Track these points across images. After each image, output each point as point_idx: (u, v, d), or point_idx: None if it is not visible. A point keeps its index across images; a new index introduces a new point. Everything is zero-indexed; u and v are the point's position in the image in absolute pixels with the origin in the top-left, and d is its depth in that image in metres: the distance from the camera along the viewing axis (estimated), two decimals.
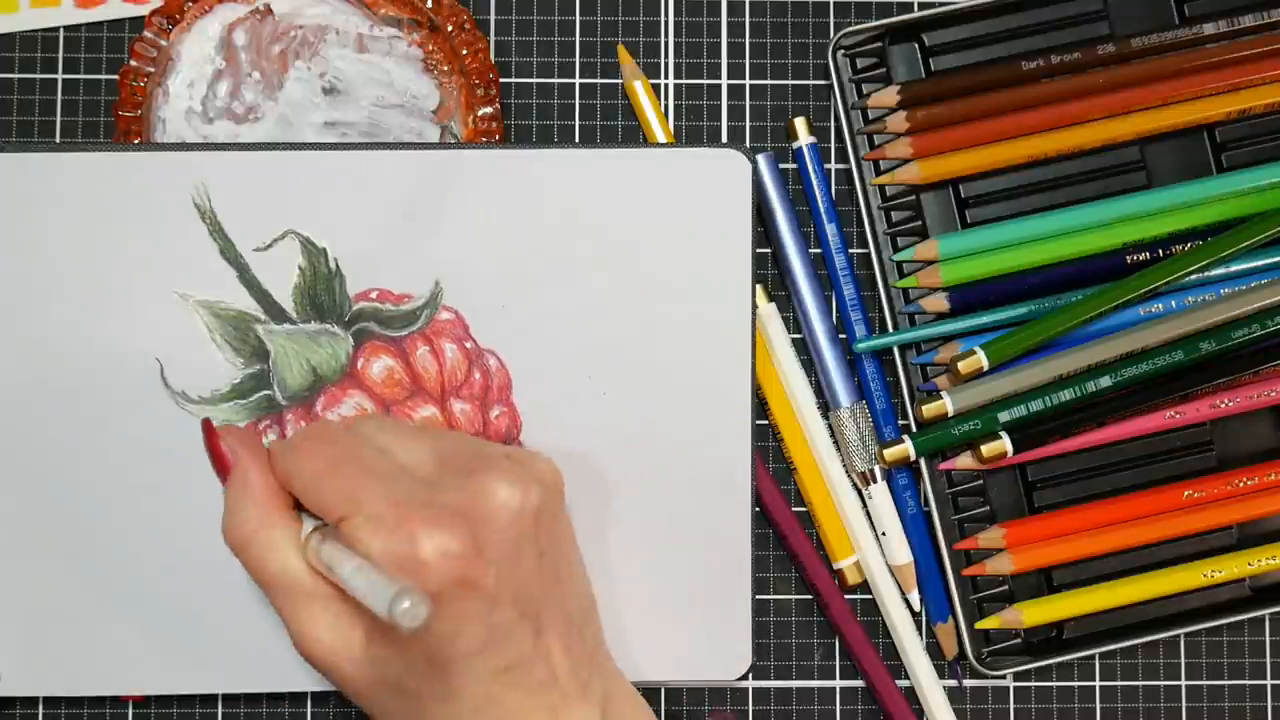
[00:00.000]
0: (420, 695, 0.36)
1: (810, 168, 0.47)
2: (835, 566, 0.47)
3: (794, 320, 0.47)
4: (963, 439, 0.45)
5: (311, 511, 0.37)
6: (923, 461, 0.45)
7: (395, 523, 0.34)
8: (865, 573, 0.46)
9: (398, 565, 0.34)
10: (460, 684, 0.35)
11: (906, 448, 0.45)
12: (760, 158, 0.46)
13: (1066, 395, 0.45)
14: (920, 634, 0.46)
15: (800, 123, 0.47)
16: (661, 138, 0.47)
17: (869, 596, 0.47)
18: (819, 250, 0.47)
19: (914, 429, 0.46)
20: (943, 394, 0.45)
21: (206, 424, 0.39)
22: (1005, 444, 0.44)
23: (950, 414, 0.45)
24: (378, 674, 0.36)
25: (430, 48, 0.46)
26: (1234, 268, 0.46)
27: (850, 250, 0.47)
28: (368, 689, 0.37)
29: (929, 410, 0.45)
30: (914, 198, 0.47)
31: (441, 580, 0.34)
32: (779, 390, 0.46)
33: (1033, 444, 0.45)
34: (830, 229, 0.46)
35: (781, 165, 0.47)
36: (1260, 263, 0.46)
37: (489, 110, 0.46)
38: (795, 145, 0.47)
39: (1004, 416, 0.45)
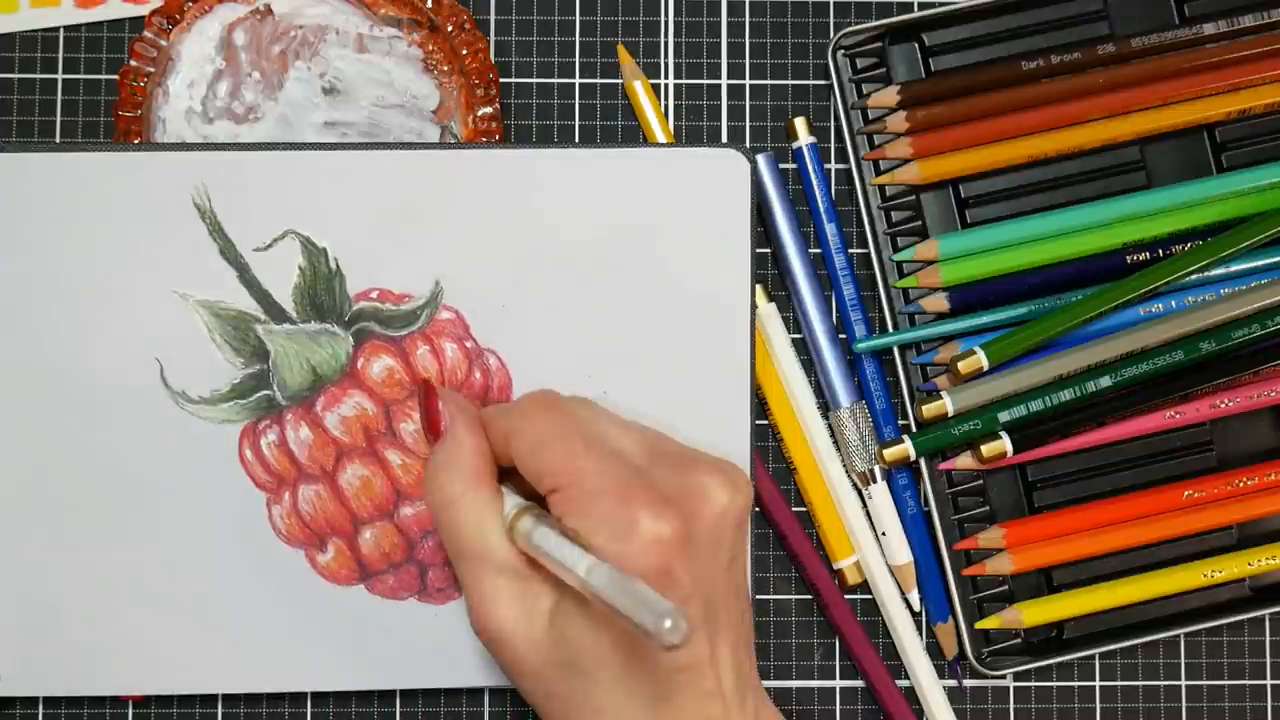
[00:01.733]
0: (595, 679, 0.35)
1: (810, 168, 0.47)
2: (835, 566, 0.47)
3: (794, 320, 0.47)
4: (963, 439, 0.45)
5: (526, 477, 0.37)
6: (923, 461, 0.45)
7: (616, 499, 0.34)
8: (865, 573, 0.46)
9: (610, 540, 0.34)
10: (638, 672, 0.35)
11: (906, 448, 0.45)
12: (760, 158, 0.46)
13: (1066, 395, 0.45)
14: (920, 634, 0.46)
15: (800, 123, 0.47)
16: (661, 138, 0.47)
17: (869, 596, 0.47)
18: (819, 250, 0.47)
19: (914, 429, 0.46)
20: (943, 394, 0.45)
21: (427, 384, 0.40)
22: (1005, 444, 0.44)
23: (950, 414, 0.45)
24: (556, 654, 0.36)
25: (430, 48, 0.46)
26: (1234, 268, 0.46)
27: (850, 250, 0.47)
28: (541, 668, 0.36)
29: (929, 410, 0.45)
30: (914, 198, 0.47)
31: (647, 564, 0.34)
32: (779, 390, 0.46)
33: (1033, 444, 0.45)
34: (830, 229, 0.46)
35: (781, 165, 0.47)
36: (1260, 263, 0.46)
37: (489, 110, 0.46)
38: (795, 145, 0.47)
39: (1004, 416, 0.45)
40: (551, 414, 0.38)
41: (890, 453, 0.45)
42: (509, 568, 0.37)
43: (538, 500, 0.38)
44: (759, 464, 0.46)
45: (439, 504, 0.38)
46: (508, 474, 0.39)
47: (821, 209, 0.46)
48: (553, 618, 0.36)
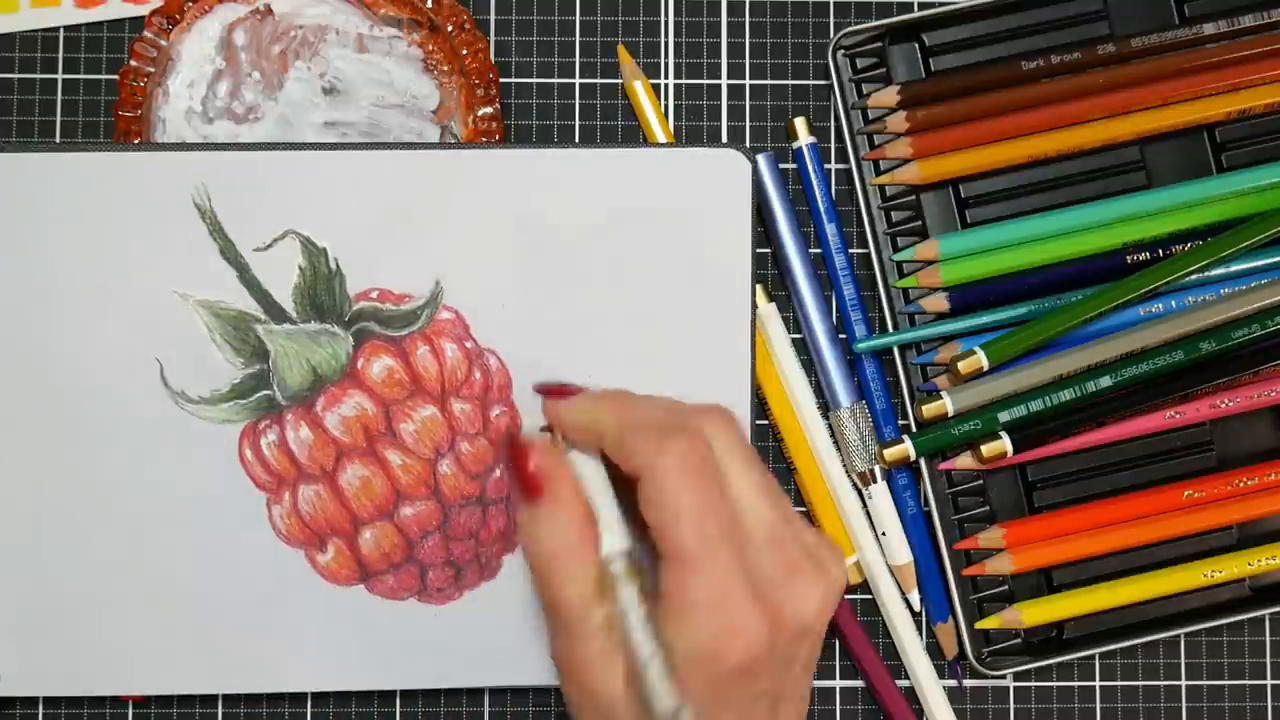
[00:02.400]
0: None
1: (810, 168, 0.47)
2: None
3: (794, 320, 0.47)
4: (963, 439, 0.45)
5: (644, 514, 0.35)
6: (923, 461, 0.45)
7: (725, 585, 0.34)
8: (865, 573, 0.46)
9: (705, 623, 0.33)
10: None
11: (906, 448, 0.45)
12: (760, 158, 0.46)
13: (1066, 395, 0.45)
14: (920, 634, 0.46)
15: (800, 123, 0.47)
16: (661, 138, 0.47)
17: (869, 596, 0.47)
18: (819, 250, 0.47)
19: (914, 429, 0.46)
20: (943, 394, 0.45)
21: (516, 438, 0.37)
22: (1005, 444, 0.44)
23: (950, 414, 0.45)
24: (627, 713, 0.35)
25: (430, 48, 0.46)
26: (1234, 268, 0.46)
27: (850, 250, 0.47)
28: None
29: (929, 410, 0.45)
30: (914, 198, 0.47)
31: (732, 665, 0.33)
32: (779, 390, 0.46)
33: (1033, 444, 0.45)
34: (830, 229, 0.46)
35: (781, 165, 0.47)
36: (1260, 263, 0.46)
37: (489, 110, 0.46)
38: (795, 145, 0.47)
39: (1004, 416, 0.45)
40: (693, 468, 0.35)
41: (890, 453, 0.45)
42: (601, 633, 0.35)
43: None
44: None
45: (544, 556, 0.36)
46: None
47: (821, 209, 0.46)
48: (627, 682, 0.35)
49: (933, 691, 0.46)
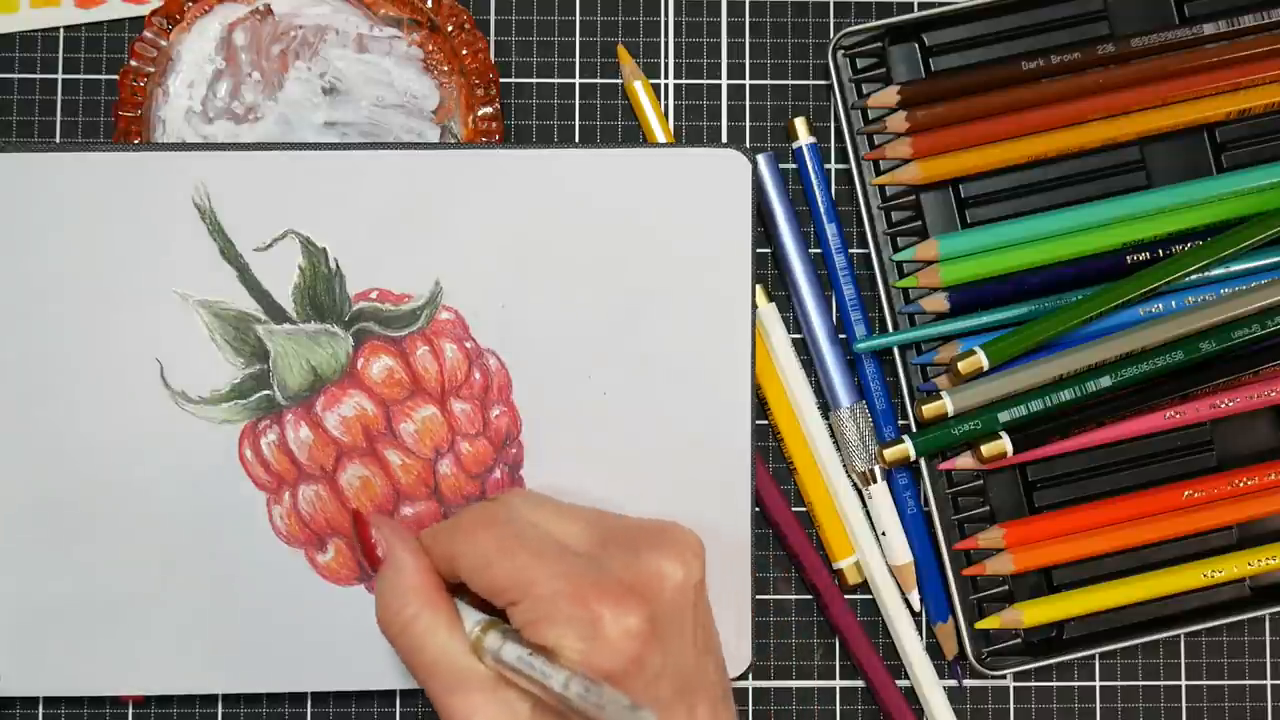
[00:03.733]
0: None
1: (810, 168, 0.47)
2: (835, 566, 0.47)
3: (794, 320, 0.47)
4: (963, 439, 0.45)
5: (478, 594, 0.37)
6: (923, 461, 0.45)
7: (575, 601, 0.34)
8: (865, 573, 0.46)
9: (579, 641, 0.34)
10: None
11: (906, 448, 0.45)
12: (760, 158, 0.46)
13: (1066, 395, 0.45)
14: (920, 634, 0.46)
15: (800, 123, 0.47)
16: (661, 138, 0.47)
17: (869, 596, 0.47)
18: (819, 250, 0.47)
19: (914, 429, 0.46)
20: (943, 394, 0.45)
21: (357, 514, 0.41)
22: (1005, 444, 0.44)
23: (950, 414, 0.45)
24: None
25: (430, 48, 0.46)
26: (1234, 268, 0.46)
27: (850, 250, 0.47)
28: None
29: (929, 410, 0.45)
30: (914, 198, 0.47)
31: (617, 659, 0.34)
32: (779, 390, 0.46)
33: (1033, 444, 0.45)
34: (830, 229, 0.46)
35: (781, 165, 0.47)
36: (1260, 263, 0.46)
37: (489, 110, 0.46)
38: (795, 145, 0.47)
39: (1004, 416, 0.45)
40: (489, 530, 0.37)
41: (890, 453, 0.45)
42: (478, 679, 0.36)
43: (494, 611, 0.37)
44: (759, 464, 0.46)
45: (397, 629, 0.37)
46: (459, 588, 0.39)
47: (821, 209, 0.46)
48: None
49: (933, 691, 0.46)
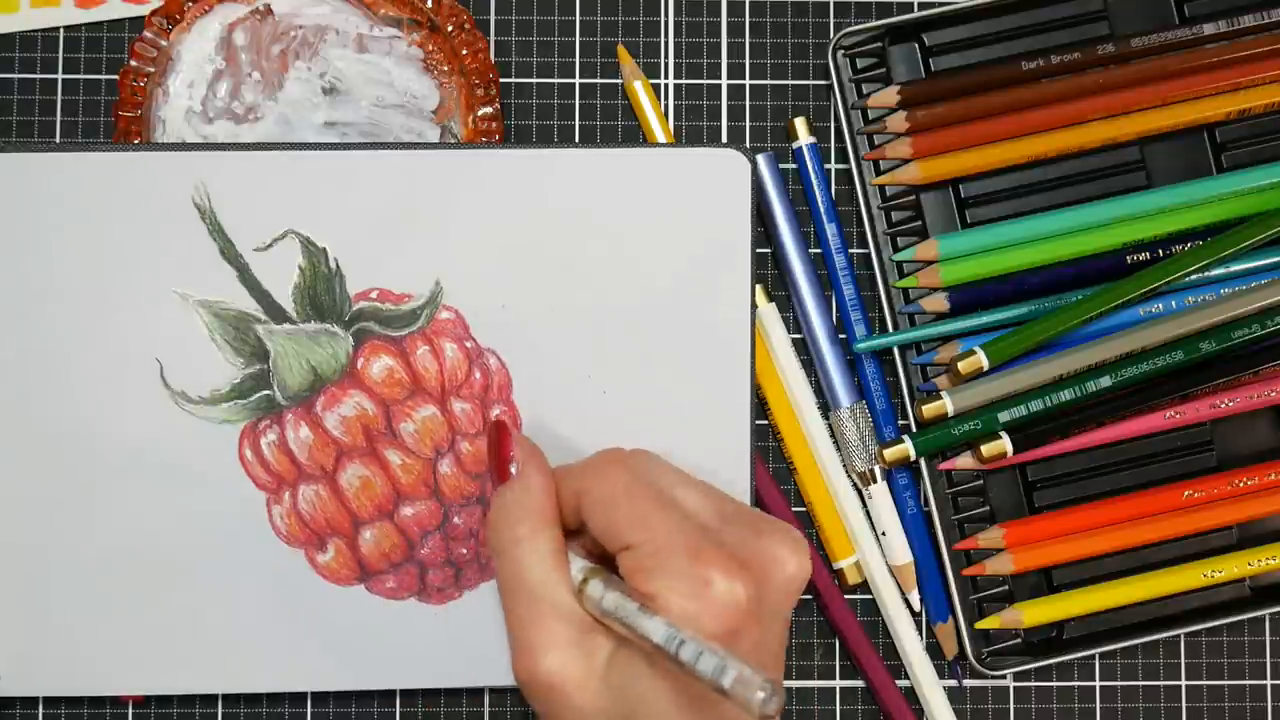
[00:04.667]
0: None
1: (810, 168, 0.47)
2: (835, 566, 0.47)
3: (794, 320, 0.47)
4: (963, 439, 0.45)
5: (596, 534, 0.37)
6: (923, 461, 0.45)
7: (691, 557, 0.34)
8: (865, 573, 0.46)
9: (684, 599, 0.34)
10: None
11: (906, 448, 0.45)
12: (760, 158, 0.46)
13: (1066, 395, 0.45)
14: (920, 634, 0.46)
15: (800, 123, 0.47)
16: (661, 138, 0.47)
17: (869, 597, 0.47)
18: (819, 250, 0.47)
19: (914, 429, 0.46)
20: (943, 394, 0.45)
21: (500, 423, 0.41)
22: (1005, 444, 0.44)
23: (950, 414, 0.45)
24: (614, 706, 0.35)
25: (430, 48, 0.46)
26: (1234, 268, 0.46)
27: (850, 250, 0.47)
28: (593, 714, 0.36)
29: (929, 410, 0.45)
30: (914, 198, 0.47)
31: (717, 625, 0.34)
32: (779, 390, 0.46)
33: (1033, 444, 0.45)
34: (830, 229, 0.46)
35: (781, 165, 0.47)
36: (1260, 263, 0.46)
37: (489, 110, 0.46)
38: (795, 145, 0.47)
39: (1004, 416, 0.45)
40: (622, 471, 0.37)
41: (890, 453, 0.45)
42: (571, 616, 0.36)
43: (603, 561, 0.38)
44: (759, 464, 0.46)
45: (504, 544, 0.37)
46: (572, 536, 0.39)
47: (821, 209, 0.46)
48: (610, 667, 0.36)
49: (933, 691, 0.46)
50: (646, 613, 0.34)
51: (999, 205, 0.46)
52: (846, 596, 0.47)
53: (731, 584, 0.34)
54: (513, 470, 0.39)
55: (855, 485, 0.46)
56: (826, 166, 0.48)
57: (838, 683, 0.47)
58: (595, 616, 0.36)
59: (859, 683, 0.47)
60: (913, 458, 0.45)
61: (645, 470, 0.38)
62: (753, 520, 0.37)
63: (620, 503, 0.36)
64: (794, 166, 0.47)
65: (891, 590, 0.46)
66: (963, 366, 0.44)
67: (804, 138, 0.47)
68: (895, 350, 0.46)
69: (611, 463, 0.38)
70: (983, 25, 0.47)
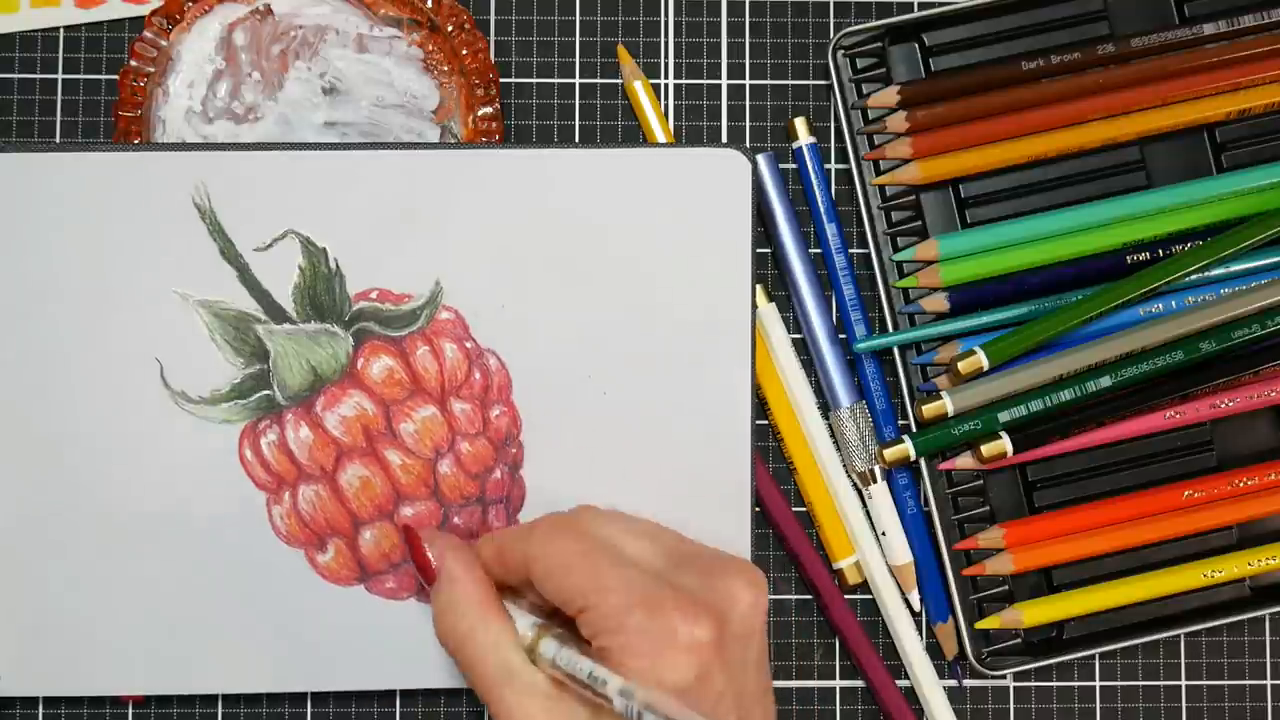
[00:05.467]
0: None
1: (810, 168, 0.47)
2: (835, 566, 0.47)
3: (794, 320, 0.47)
4: (963, 439, 0.45)
5: (548, 599, 0.37)
6: (923, 461, 0.45)
7: (648, 611, 0.35)
8: (865, 572, 0.46)
9: (650, 651, 0.34)
10: None
11: (906, 448, 0.45)
12: (760, 158, 0.46)
13: (1066, 395, 0.45)
14: (920, 634, 0.46)
15: (800, 123, 0.47)
16: (661, 138, 0.47)
17: (869, 597, 0.47)
18: (819, 250, 0.47)
19: (914, 429, 0.46)
20: (943, 394, 0.45)
21: (409, 529, 0.41)
22: (1005, 444, 0.44)
23: (950, 414, 0.45)
24: None
25: (430, 48, 0.46)
26: (1234, 268, 0.46)
27: (850, 250, 0.47)
28: None
29: (929, 410, 0.45)
30: (914, 198, 0.47)
31: (687, 672, 0.34)
32: (779, 390, 0.46)
33: (1033, 444, 0.45)
34: (830, 229, 0.46)
35: (781, 165, 0.47)
36: (1260, 263, 0.46)
37: (489, 110, 0.46)
38: (795, 145, 0.47)
39: (1004, 416, 0.45)
40: (571, 538, 0.38)
41: (890, 453, 0.45)
42: (539, 689, 0.37)
43: (547, 615, 0.38)
44: (759, 464, 0.46)
45: (454, 644, 0.38)
46: (512, 590, 0.40)
47: (821, 209, 0.46)
48: None
49: (933, 691, 0.46)
50: (599, 667, 0.35)
51: (999, 205, 0.46)
52: (846, 597, 0.47)
53: (692, 628, 0.35)
54: (434, 569, 0.40)
55: (855, 485, 0.46)
56: (826, 166, 0.48)
57: (838, 683, 0.47)
58: (552, 676, 0.37)
59: (859, 683, 0.47)
60: (913, 458, 0.45)
61: (592, 529, 0.38)
62: (706, 560, 0.38)
63: (572, 569, 0.37)
64: (793, 166, 0.47)
65: (891, 590, 0.46)
66: (963, 367, 0.44)
67: (804, 138, 0.47)
68: (895, 350, 0.46)
69: (559, 530, 0.38)
70: (983, 25, 0.47)
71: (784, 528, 0.46)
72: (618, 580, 0.36)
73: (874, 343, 0.46)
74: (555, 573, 0.37)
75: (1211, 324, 0.45)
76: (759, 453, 0.46)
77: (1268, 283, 0.45)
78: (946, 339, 0.46)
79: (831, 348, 0.46)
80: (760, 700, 0.37)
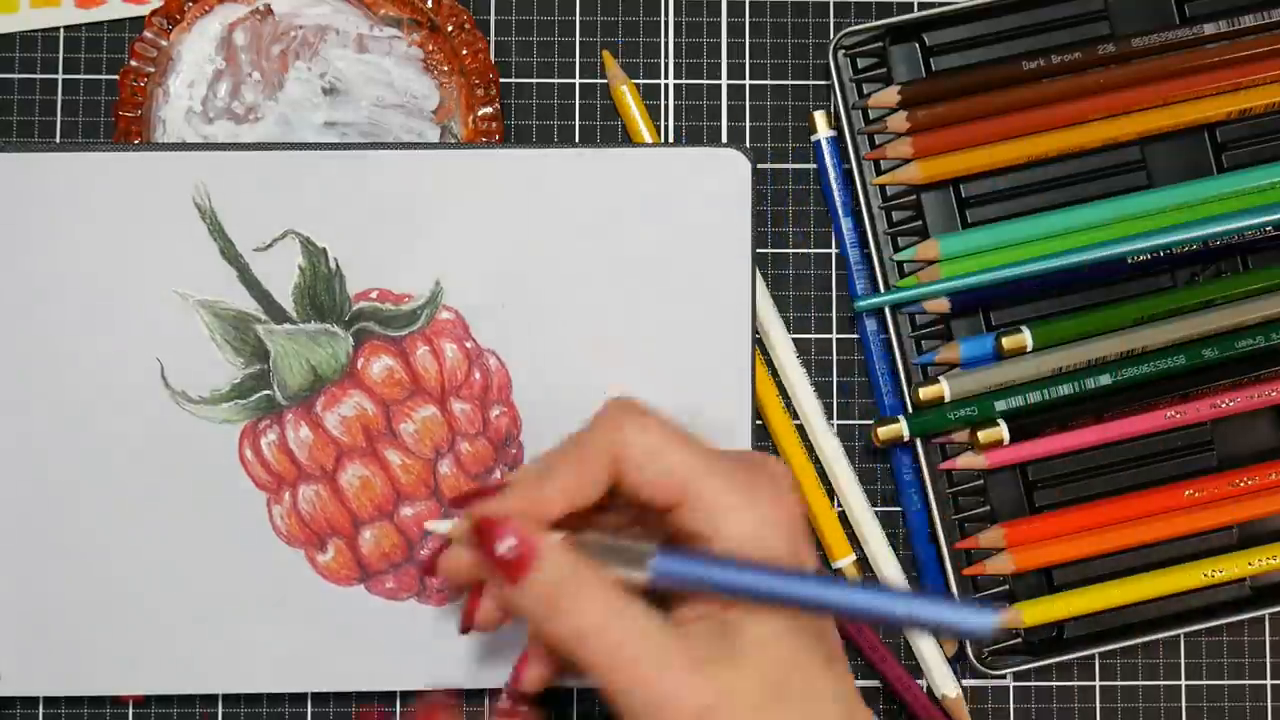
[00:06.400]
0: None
1: (829, 162, 0.46)
2: (834, 566, 0.46)
3: (795, 318, 0.47)
4: (959, 424, 0.45)
5: (645, 490, 0.34)
6: (923, 462, 0.45)
7: (737, 486, 0.34)
8: (873, 567, 0.46)
9: (752, 521, 0.34)
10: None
11: (901, 427, 0.45)
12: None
13: (1065, 390, 0.45)
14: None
15: (820, 116, 0.47)
16: (649, 140, 0.47)
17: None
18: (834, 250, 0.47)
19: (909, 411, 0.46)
20: (940, 378, 0.45)
21: (485, 519, 0.34)
22: (1002, 430, 0.44)
23: (947, 399, 0.45)
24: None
25: (430, 48, 0.46)
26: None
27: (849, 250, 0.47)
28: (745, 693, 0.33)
29: (926, 393, 0.45)
30: (914, 198, 0.47)
31: (788, 539, 0.34)
32: (776, 391, 0.46)
33: (1030, 435, 0.45)
34: (846, 224, 0.46)
35: (780, 165, 0.47)
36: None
37: (489, 110, 0.46)
38: (815, 138, 0.47)
39: (1001, 405, 0.45)
40: (652, 418, 0.35)
41: (884, 431, 0.45)
42: (664, 635, 0.32)
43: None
44: None
45: (577, 638, 0.33)
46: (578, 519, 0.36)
47: (839, 204, 0.46)
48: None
49: (948, 685, 0.46)
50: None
51: (999, 205, 0.46)
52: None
53: (776, 491, 0.34)
54: (508, 554, 0.34)
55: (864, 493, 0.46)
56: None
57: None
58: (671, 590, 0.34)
59: (859, 682, 0.47)
60: (906, 437, 0.45)
61: (654, 410, 0.35)
62: (733, 451, 0.36)
63: (663, 450, 0.34)
64: (790, 166, 0.47)
65: (900, 585, 0.46)
66: (1008, 343, 0.44)
67: (823, 131, 0.47)
68: (895, 351, 0.46)
69: (638, 412, 0.35)
70: (983, 25, 0.47)
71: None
72: (701, 460, 0.34)
73: (873, 301, 0.46)
74: (653, 455, 0.34)
75: (1215, 330, 0.45)
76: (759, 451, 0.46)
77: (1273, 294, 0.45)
78: (941, 296, 0.45)
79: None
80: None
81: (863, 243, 0.47)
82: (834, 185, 0.47)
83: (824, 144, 0.47)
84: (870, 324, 0.47)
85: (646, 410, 0.35)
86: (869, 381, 0.47)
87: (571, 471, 0.34)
